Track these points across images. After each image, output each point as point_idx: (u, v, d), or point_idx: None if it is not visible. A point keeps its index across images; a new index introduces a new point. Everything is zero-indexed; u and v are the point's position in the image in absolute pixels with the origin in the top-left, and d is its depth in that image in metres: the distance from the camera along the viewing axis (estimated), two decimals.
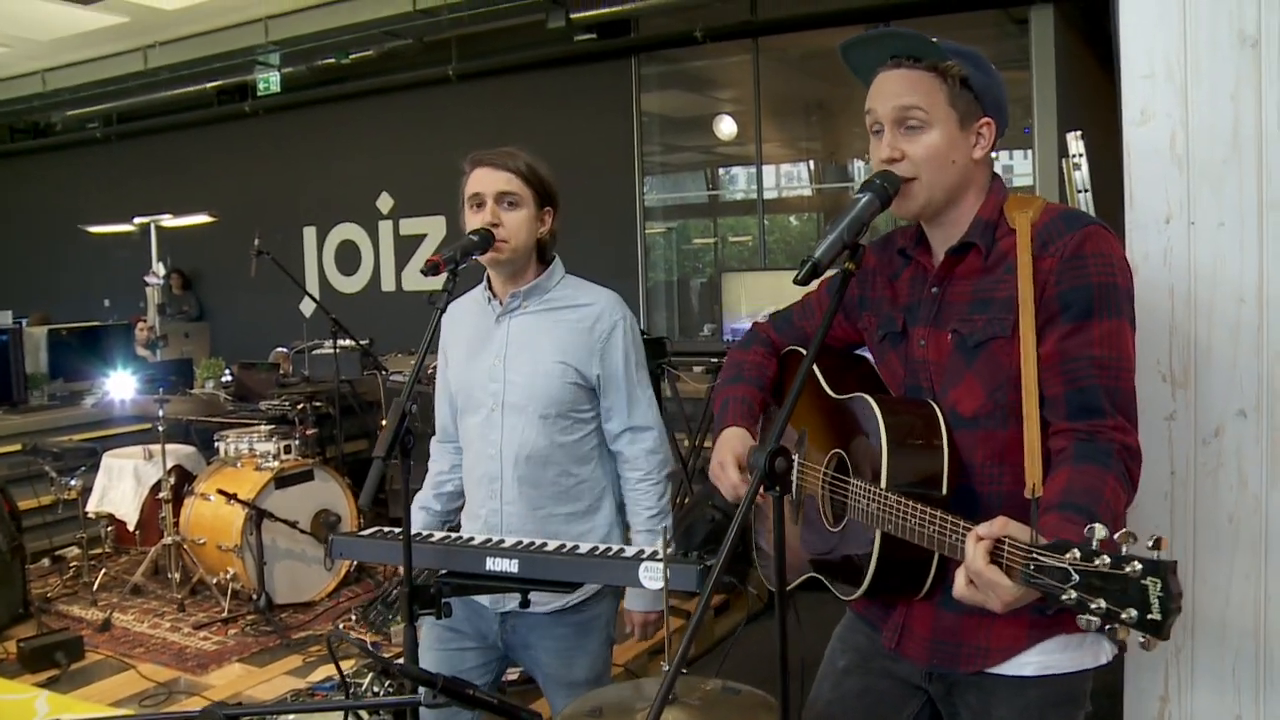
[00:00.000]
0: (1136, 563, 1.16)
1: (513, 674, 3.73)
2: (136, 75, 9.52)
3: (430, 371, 2.55)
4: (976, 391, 1.63)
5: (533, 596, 2.22)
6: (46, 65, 9.92)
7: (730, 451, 1.82)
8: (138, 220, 7.62)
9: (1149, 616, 1.16)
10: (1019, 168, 7.86)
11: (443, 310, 2.12)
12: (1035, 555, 1.27)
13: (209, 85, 9.68)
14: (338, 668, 1.51)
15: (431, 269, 2.12)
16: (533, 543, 2.19)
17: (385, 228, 9.76)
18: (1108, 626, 1.19)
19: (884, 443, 1.61)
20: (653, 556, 2.00)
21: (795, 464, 1.88)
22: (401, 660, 1.78)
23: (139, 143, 11.15)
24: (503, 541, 2.19)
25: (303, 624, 4.61)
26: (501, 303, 2.34)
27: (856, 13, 7.21)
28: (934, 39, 1.67)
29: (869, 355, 1.92)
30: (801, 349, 1.98)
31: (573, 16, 7.82)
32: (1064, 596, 1.22)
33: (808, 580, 1.85)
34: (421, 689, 1.67)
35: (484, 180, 2.26)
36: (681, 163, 9.74)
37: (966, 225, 1.68)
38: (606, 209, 8.76)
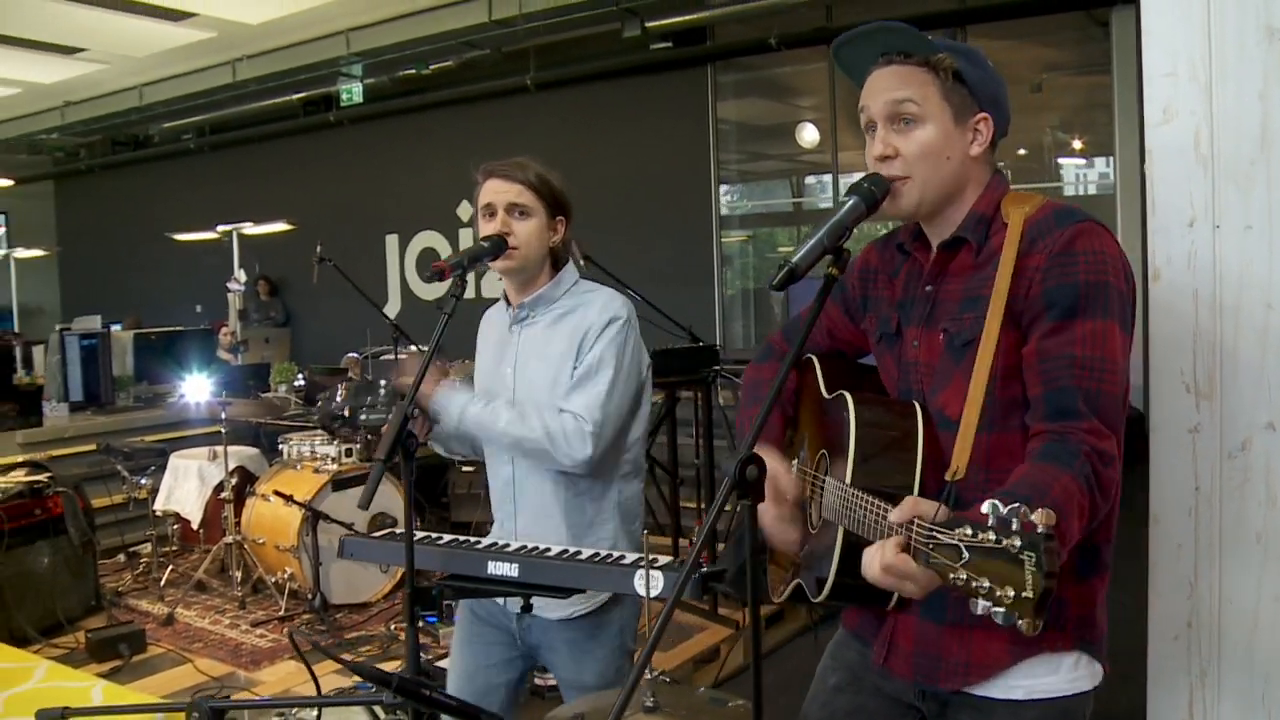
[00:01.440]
0: (1017, 538, 1.11)
1: (553, 679, 3.74)
2: (226, 88, 9.84)
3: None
4: (964, 392, 1.57)
5: (543, 603, 2.24)
6: (143, 80, 10.31)
7: None
8: (220, 228, 7.87)
9: (1023, 594, 1.10)
10: (1103, 171, 7.66)
11: (450, 315, 2.14)
12: (934, 534, 1.22)
13: (295, 97, 9.98)
14: (304, 662, 1.53)
15: (436, 275, 2.13)
16: (535, 547, 2.19)
17: (465, 235, 9.90)
18: (993, 608, 1.14)
19: (851, 440, 1.57)
20: (651, 564, 1.99)
21: (793, 468, 1.85)
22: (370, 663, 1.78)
23: (230, 153, 11.53)
24: (506, 546, 2.20)
25: (356, 624, 4.68)
26: (513, 312, 2.36)
27: (932, 17, 7.08)
28: (928, 35, 1.63)
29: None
30: (812, 356, 1.93)
31: (648, 25, 7.84)
32: (952, 576, 1.17)
33: (795, 590, 1.80)
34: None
35: (495, 191, 2.29)
36: (763, 170, 9.69)
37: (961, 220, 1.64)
38: (682, 217, 8.77)
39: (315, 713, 2.62)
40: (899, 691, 1.72)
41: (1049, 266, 1.50)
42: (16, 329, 10.23)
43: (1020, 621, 1.11)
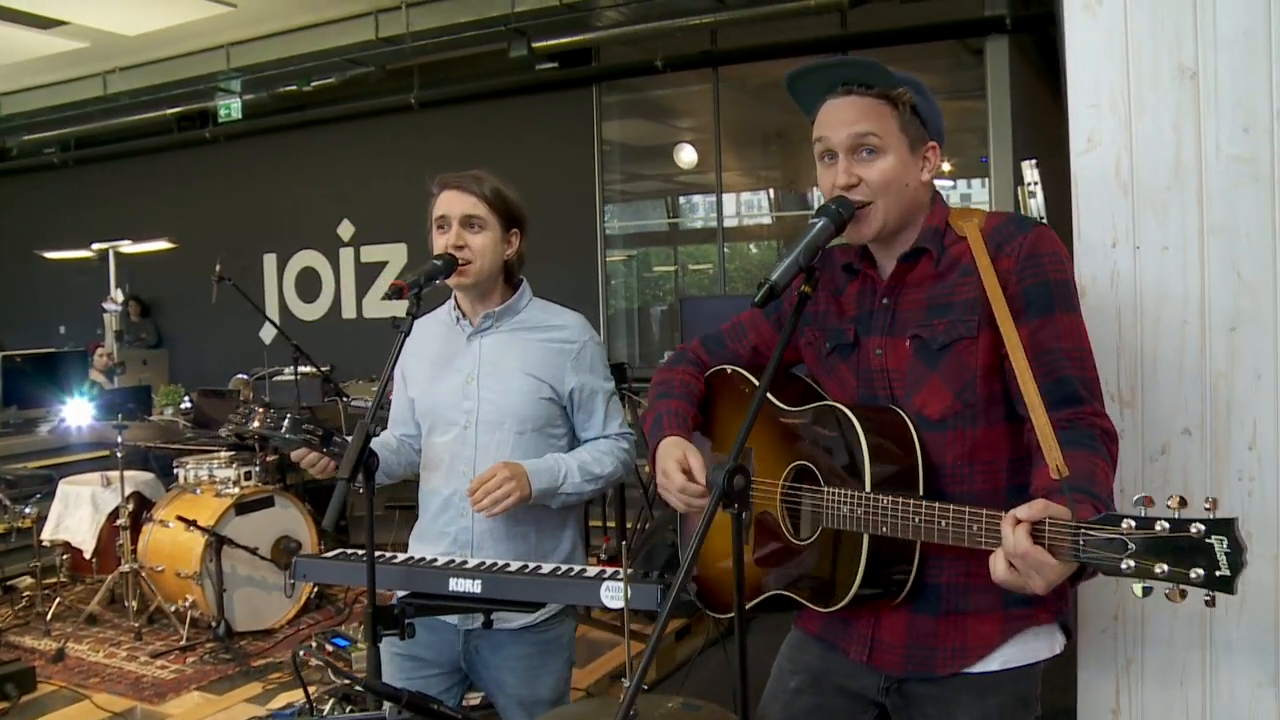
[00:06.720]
0: (1199, 524, 1.21)
1: (473, 699, 3.71)
2: (96, 101, 9.44)
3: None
4: (943, 394, 1.67)
5: (496, 615, 2.25)
6: (3, 90, 9.82)
7: (671, 459, 1.83)
8: (96, 246, 7.56)
9: (1218, 573, 1.20)
10: (976, 195, 8.01)
11: (407, 333, 2.15)
12: (1085, 531, 1.31)
13: (169, 111, 9.64)
14: (303, 686, 1.52)
15: (395, 293, 2.15)
16: (495, 563, 2.21)
17: (346, 255, 9.75)
18: (1171, 587, 1.24)
19: (865, 448, 1.63)
20: (614, 576, 2.03)
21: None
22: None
23: (99, 169, 11.07)
24: (465, 562, 2.21)
25: (262, 651, 4.56)
26: (473, 323, 2.37)
27: (814, 43, 7.32)
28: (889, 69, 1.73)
29: (800, 373, 1.95)
30: (729, 368, 2.00)
31: (534, 45, 7.88)
32: (1122, 566, 1.26)
33: (764, 600, 1.86)
34: (387, 705, 1.68)
35: (450, 203, 2.32)
36: (643, 191, 9.81)
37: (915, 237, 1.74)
38: (568, 236, 8.81)
39: None
40: (863, 688, 1.81)
41: (1021, 269, 1.63)
42: None
43: (1208, 596, 1.22)
